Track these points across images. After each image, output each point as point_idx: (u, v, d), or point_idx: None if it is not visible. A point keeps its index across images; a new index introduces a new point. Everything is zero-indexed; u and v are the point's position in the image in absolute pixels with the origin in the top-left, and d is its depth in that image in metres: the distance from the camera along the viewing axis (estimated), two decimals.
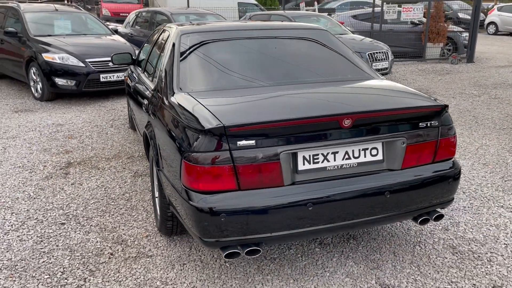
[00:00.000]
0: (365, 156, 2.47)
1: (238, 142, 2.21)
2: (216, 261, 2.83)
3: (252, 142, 2.23)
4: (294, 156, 2.33)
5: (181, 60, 3.03)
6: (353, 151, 2.44)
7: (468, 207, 3.58)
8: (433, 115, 2.58)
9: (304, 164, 2.36)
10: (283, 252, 2.94)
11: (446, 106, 2.62)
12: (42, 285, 2.61)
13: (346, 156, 2.43)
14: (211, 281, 2.64)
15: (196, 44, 3.18)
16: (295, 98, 2.65)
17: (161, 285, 2.61)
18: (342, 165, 2.43)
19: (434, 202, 2.66)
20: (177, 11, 8.91)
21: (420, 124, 2.55)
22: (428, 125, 2.57)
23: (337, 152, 2.41)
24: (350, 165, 2.45)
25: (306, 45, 3.43)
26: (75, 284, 2.62)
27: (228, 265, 2.79)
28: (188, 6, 11.22)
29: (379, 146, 2.49)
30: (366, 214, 2.46)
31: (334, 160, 2.41)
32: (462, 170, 4.27)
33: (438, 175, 2.61)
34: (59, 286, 2.59)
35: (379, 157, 2.50)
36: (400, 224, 3.28)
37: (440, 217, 2.71)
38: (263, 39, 3.36)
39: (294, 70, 3.11)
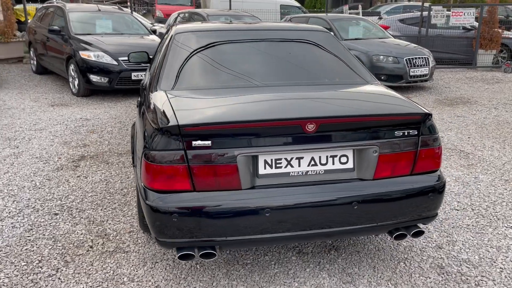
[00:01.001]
0: (333, 164, 2.35)
1: (193, 142, 2.17)
2: (187, 261, 2.81)
3: (207, 142, 2.18)
4: (255, 159, 2.26)
5: (169, 59, 3.04)
6: (320, 157, 2.33)
7: (473, 225, 3.32)
8: (411, 124, 2.41)
9: (265, 168, 2.28)
10: (258, 258, 2.86)
11: (428, 114, 2.44)
12: (18, 271, 2.70)
13: (312, 162, 2.33)
14: (176, 282, 2.62)
15: (188, 44, 3.17)
16: (267, 100, 2.57)
17: (127, 282, 2.62)
18: (307, 171, 2.32)
19: (413, 217, 2.48)
20: (214, 12, 9.01)
21: (395, 132, 2.39)
22: (405, 134, 2.40)
23: (302, 158, 2.31)
24: (316, 172, 2.33)
25: (302, 47, 3.32)
26: (47, 273, 2.69)
27: (198, 267, 2.76)
28: (230, 8, 11.34)
29: (349, 153, 2.36)
30: (330, 225, 2.34)
31: (299, 165, 2.31)
32: (478, 186, 3.99)
33: (416, 188, 2.43)
34: (32, 274, 2.68)
35: (349, 165, 2.37)
36: (390, 238, 3.09)
37: (419, 233, 2.53)
38: (259, 40, 3.29)
39: (282, 72, 3.02)
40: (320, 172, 2.34)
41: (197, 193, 2.23)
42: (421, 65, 8.37)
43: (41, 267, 2.75)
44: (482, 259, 2.88)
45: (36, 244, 3.00)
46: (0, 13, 10.86)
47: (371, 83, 3.01)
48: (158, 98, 2.62)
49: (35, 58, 9.53)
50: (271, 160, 2.28)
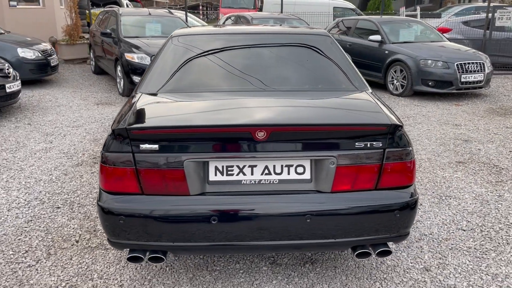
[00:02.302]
0: (288, 173, 2.26)
1: (141, 146, 2.19)
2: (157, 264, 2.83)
3: (155, 146, 2.18)
4: (205, 165, 2.23)
5: (157, 62, 3.09)
6: (274, 166, 2.25)
7: (475, 248, 3.03)
8: (375, 135, 2.24)
9: (216, 175, 2.24)
10: (228, 265, 2.82)
11: (397, 126, 2.26)
12: (3, 259, 2.88)
13: (266, 171, 2.25)
14: (139, 283, 2.65)
15: (178, 47, 3.20)
16: (228, 106, 2.52)
17: (96, 278, 2.70)
18: (261, 180, 2.25)
19: (378, 235, 2.31)
20: (260, 15, 9.03)
21: (356, 143, 2.24)
22: (368, 145, 2.24)
23: (255, 166, 2.24)
24: (270, 181, 2.25)
25: (295, 52, 3.22)
26: (27, 263, 2.84)
27: (167, 270, 2.77)
28: (282, 11, 11.29)
29: (306, 164, 2.25)
30: (281, 238, 2.25)
31: (252, 174, 2.25)
32: (499, 205, 3.64)
33: (379, 205, 2.26)
34: (14, 263, 2.84)
35: (306, 176, 2.26)
36: (352, 256, 2.90)
37: (386, 253, 2.35)
38: (250, 46, 3.23)
39: (264, 78, 2.94)
40: (274, 182, 2.25)
41: (144, 196, 2.24)
42: (474, 71, 7.78)
43: (25, 257, 2.91)
44: (471, 287, 2.61)
45: (30, 235, 3.18)
46: (68, 17, 11.70)
47: (360, 91, 2.85)
48: (130, 101, 2.67)
49: (93, 59, 10.15)
50: (222, 167, 2.24)
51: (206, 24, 13.50)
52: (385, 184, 2.29)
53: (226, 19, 10.08)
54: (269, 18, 8.88)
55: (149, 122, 2.26)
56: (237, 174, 2.24)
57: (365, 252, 2.33)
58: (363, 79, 3.04)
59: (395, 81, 8.43)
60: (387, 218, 2.28)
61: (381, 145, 2.25)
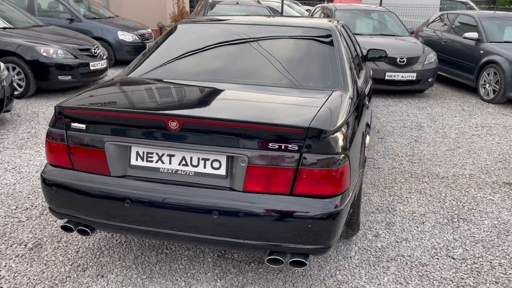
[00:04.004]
0: (204, 167, 2.22)
1: (72, 124, 2.34)
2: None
3: (82, 126, 2.32)
4: (128, 149, 2.30)
5: (152, 47, 3.23)
6: (191, 158, 2.23)
7: (451, 280, 2.64)
8: (291, 138, 2.09)
9: (137, 160, 2.30)
10: (177, 250, 2.87)
11: (319, 130, 2.07)
12: (4, 211, 3.31)
13: (183, 162, 2.24)
14: (93, 251, 2.84)
15: (177, 34, 3.29)
16: (166, 95, 2.54)
17: (63, 241, 2.96)
18: (177, 170, 2.25)
19: (291, 244, 2.17)
20: (342, 7, 8.67)
21: (270, 144, 2.11)
22: (282, 147, 2.10)
23: (173, 156, 2.25)
24: (187, 172, 2.24)
25: (286, 45, 3.09)
26: (19, 219, 3.22)
27: (123, 244, 2.92)
28: (381, 4, 10.63)
29: (222, 159, 2.19)
30: (190, 230, 2.23)
31: (170, 163, 2.26)
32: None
33: (289, 211, 2.11)
34: (10, 217, 3.25)
35: (222, 171, 2.20)
36: (342, 268, 2.71)
37: (299, 263, 2.20)
38: (245, 37, 3.18)
39: (239, 70, 2.89)
40: (190, 174, 2.24)
41: (74, 172, 2.39)
42: None
43: (21, 213, 3.30)
44: None
45: (39, 195, 3.59)
46: (175, 4, 12.55)
47: (329, 90, 2.66)
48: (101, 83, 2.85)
49: None
50: (143, 152, 2.29)
51: (302, 14, 13.38)
52: (301, 190, 2.13)
53: (315, 10, 9.89)
54: (353, 10, 8.49)
55: (82, 102, 2.40)
56: (156, 162, 2.28)
57: (278, 259, 2.21)
58: (347, 78, 2.83)
59: (487, 85, 7.50)
60: (299, 227, 2.13)
61: (297, 148, 2.10)
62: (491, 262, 2.84)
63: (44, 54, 6.58)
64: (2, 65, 5.54)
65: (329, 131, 2.13)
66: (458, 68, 8.25)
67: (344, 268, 2.73)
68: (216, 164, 2.21)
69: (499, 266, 2.80)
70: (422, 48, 7.74)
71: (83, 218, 2.41)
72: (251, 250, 2.26)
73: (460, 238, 3.13)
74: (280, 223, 2.13)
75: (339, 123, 2.25)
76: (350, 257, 2.85)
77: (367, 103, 3.25)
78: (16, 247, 2.89)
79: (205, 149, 2.18)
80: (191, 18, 3.61)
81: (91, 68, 7.09)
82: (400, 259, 2.85)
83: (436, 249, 2.97)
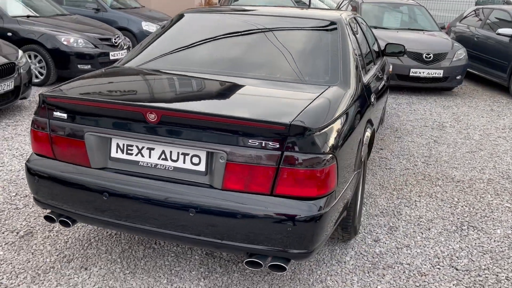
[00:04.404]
0: (184, 162, 2.13)
1: (54, 113, 2.29)
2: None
3: (63, 115, 2.27)
4: (109, 141, 2.23)
5: (155, 38, 3.14)
6: (171, 152, 2.14)
7: None
8: (272, 135, 1.96)
9: (117, 152, 2.23)
10: (165, 245, 2.79)
11: (303, 128, 1.93)
12: (3, 198, 3.33)
13: (163, 156, 2.16)
14: (81, 242, 2.81)
15: (183, 24, 3.20)
16: (150, 85, 2.44)
17: (54, 231, 2.94)
18: (157, 164, 2.17)
19: (272, 247, 2.05)
20: (369, 0, 8.37)
21: (250, 141, 1.99)
22: (262, 145, 1.97)
23: (153, 149, 2.17)
24: (166, 167, 2.15)
25: (289, 37, 2.94)
26: (16, 206, 3.23)
27: (112, 236, 2.88)
28: None
29: (202, 155, 2.09)
30: (168, 227, 2.15)
31: (149, 157, 2.18)
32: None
33: (269, 213, 1.99)
34: (8, 203, 3.26)
35: (201, 168, 2.10)
36: (334, 273, 2.57)
37: (279, 268, 2.08)
38: (250, 28, 3.06)
39: (236, 62, 2.77)
40: (170, 169, 2.15)
41: (55, 162, 2.35)
42: None
43: (19, 200, 3.31)
44: None
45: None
46: None
47: (326, 86, 2.51)
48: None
49: None
50: (123, 145, 2.21)
51: (331, 7, 13.07)
52: (282, 191, 2.01)
53: (342, 2, 9.61)
54: (380, 3, 8.17)
55: (66, 91, 2.35)
56: (136, 155, 2.20)
57: (256, 262, 2.09)
58: (348, 73, 2.68)
59: None
60: (278, 230, 2.00)
61: (278, 146, 1.97)
62: (497, 275, 2.64)
63: (65, 43, 6.65)
64: (21, 52, 5.62)
65: (314, 129, 1.99)
66: (490, 65, 7.84)
67: (336, 274, 2.59)
68: (195, 160, 2.11)
69: (505, 280, 2.59)
70: (451, 44, 7.39)
71: (64, 209, 2.37)
72: (229, 251, 2.16)
73: (467, 247, 2.92)
74: (259, 225, 2.01)
75: (327, 121, 2.11)
76: (345, 262, 2.71)
77: (372, 100, 3.07)
78: (8, 234, 2.89)
79: (185, 144, 2.08)
80: (203, 8, 3.51)
81: (111, 57, 7.12)
82: (398, 267, 2.68)
83: (438, 258, 2.78)
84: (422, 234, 3.06)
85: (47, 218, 2.45)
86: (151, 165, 2.18)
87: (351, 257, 2.75)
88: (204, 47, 2.94)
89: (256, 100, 2.29)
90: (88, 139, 2.23)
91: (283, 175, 1.99)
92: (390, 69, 5.19)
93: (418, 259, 2.77)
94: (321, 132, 2.03)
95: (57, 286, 2.42)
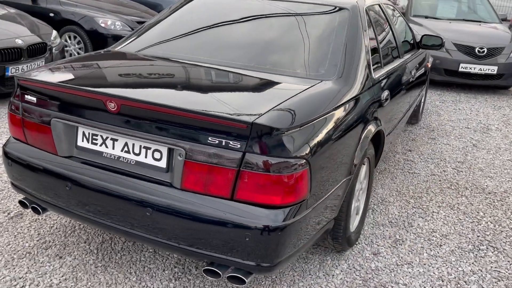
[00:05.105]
0: (146, 157, 1.97)
1: (25, 96, 2.21)
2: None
3: (33, 99, 2.18)
4: (75, 129, 2.12)
5: (158, 22, 2.99)
6: (133, 145, 1.99)
7: None
8: (234, 133, 1.75)
9: (83, 141, 2.12)
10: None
11: (270, 128, 1.71)
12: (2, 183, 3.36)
13: (126, 149, 2.01)
14: (58, 229, 2.75)
15: (188, 8, 3.02)
16: (134, 72, 2.28)
17: (39, 216, 2.91)
18: (120, 157, 2.03)
19: (230, 257, 1.86)
20: None
21: (209, 138, 1.79)
22: (223, 144, 1.77)
23: (116, 140, 2.03)
24: (128, 160, 2.01)
25: (293, 25, 2.67)
26: None
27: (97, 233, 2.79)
28: None
29: (164, 150, 1.92)
30: (127, 225, 2.01)
31: (113, 148, 2.04)
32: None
33: (227, 219, 1.79)
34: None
35: (163, 164, 1.94)
36: (317, 287, 2.34)
37: (238, 280, 1.88)
38: (251, 14, 2.83)
39: (234, 51, 2.55)
40: (131, 162, 2.00)
41: (26, 146, 2.27)
42: None
43: None
44: None
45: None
46: None
47: (328, 80, 2.26)
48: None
49: None
50: (89, 134, 2.09)
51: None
52: (243, 196, 1.80)
53: None
54: None
55: (39, 73, 2.25)
56: (100, 145, 2.07)
57: (215, 271, 1.91)
58: (351, 67, 2.42)
59: None
60: (237, 239, 1.80)
61: (239, 146, 1.75)
62: None
63: (102, 25, 6.71)
64: (55, 33, 5.71)
65: (282, 129, 1.75)
66: None
67: None
68: (157, 155, 1.94)
69: None
70: (510, 38, 6.70)
71: (34, 196, 2.30)
72: (188, 257, 1.98)
73: (480, 271, 2.56)
74: (217, 232, 1.82)
75: (303, 120, 1.86)
76: (333, 275, 2.45)
77: (384, 97, 2.75)
78: None
79: (146, 137, 1.92)
80: None
81: None
82: (393, 287, 2.39)
83: (442, 281, 2.46)
84: (431, 251, 2.72)
85: (21, 203, 2.40)
86: (114, 157, 2.04)
87: (341, 271, 2.49)
88: (198, 34, 2.74)
89: (229, 93, 2.07)
90: (55, 125, 2.13)
91: (243, 179, 1.77)
92: (429, 64, 4.74)
93: (418, 280, 2.46)
94: (291, 133, 1.79)
95: (27, 273, 2.37)
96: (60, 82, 2.10)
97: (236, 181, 1.79)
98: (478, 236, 2.92)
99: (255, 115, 1.77)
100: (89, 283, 2.31)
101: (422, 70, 4.31)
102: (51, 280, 2.32)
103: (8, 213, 2.91)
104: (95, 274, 2.38)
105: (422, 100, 5.16)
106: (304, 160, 1.81)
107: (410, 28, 4.24)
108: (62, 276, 2.36)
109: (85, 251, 2.56)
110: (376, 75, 2.72)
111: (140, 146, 1.97)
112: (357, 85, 2.40)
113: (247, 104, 1.91)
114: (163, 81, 2.20)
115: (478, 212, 3.23)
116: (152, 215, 1.91)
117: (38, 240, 2.65)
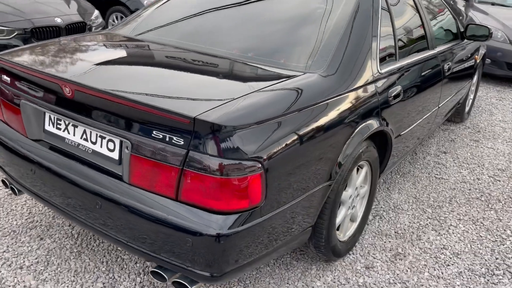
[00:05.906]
0: (101, 146, 1.87)
1: (2, 76, 2.19)
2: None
3: (8, 79, 2.15)
4: (43, 113, 2.06)
5: (156, 8, 2.88)
6: (91, 133, 1.89)
7: None
8: (177, 129, 1.59)
9: (49, 125, 2.05)
10: None
11: (215, 125, 1.52)
12: None
13: (84, 136, 1.92)
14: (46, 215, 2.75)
15: None
16: (105, 56, 2.17)
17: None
18: (79, 144, 1.94)
19: (175, 262, 1.72)
20: None
21: (154, 132, 1.63)
22: (167, 139, 1.61)
23: (77, 127, 1.94)
24: (86, 149, 1.92)
25: (292, 10, 2.43)
26: None
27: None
28: None
29: (117, 141, 1.80)
30: (83, 215, 1.94)
31: (74, 134, 1.96)
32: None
33: (169, 220, 1.64)
34: None
35: (115, 155, 1.82)
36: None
37: (182, 286, 1.74)
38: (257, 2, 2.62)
39: (223, 36, 2.36)
40: (89, 151, 1.91)
41: (4, 125, 2.25)
42: None
43: None
44: None
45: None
46: None
47: (313, 73, 2.02)
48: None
49: None
50: (54, 118, 2.02)
51: None
52: (187, 197, 1.64)
53: None
54: None
55: (17, 53, 2.20)
56: (63, 130, 2.00)
57: (157, 272, 1.78)
58: (346, 60, 2.16)
59: None
60: (179, 243, 1.66)
61: (182, 143, 1.59)
62: None
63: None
64: (96, 12, 5.79)
65: (229, 127, 1.56)
66: None
67: None
68: (111, 145, 1.83)
69: None
70: None
71: (11, 176, 2.29)
72: (136, 255, 1.86)
73: None
74: (161, 233, 1.68)
75: (261, 118, 1.65)
76: (313, 287, 2.24)
77: (393, 95, 2.43)
78: None
79: (99, 126, 1.82)
80: None
81: None
82: None
83: None
84: (434, 270, 2.41)
85: (3, 182, 2.41)
86: (75, 144, 1.96)
87: (323, 283, 2.27)
88: (190, 19, 2.58)
89: (191, 82, 1.89)
90: (24, 107, 2.08)
91: (186, 179, 1.61)
92: (477, 56, 4.22)
93: None
94: (243, 131, 1.59)
95: (4, 252, 2.39)
96: (26, 63, 2.04)
97: (180, 181, 1.63)
98: (497, 259, 2.55)
99: (201, 109, 1.59)
100: (59, 269, 2.28)
101: (467, 64, 3.86)
102: (23, 262, 2.32)
103: (8, 190, 2.97)
104: (67, 260, 2.34)
105: (471, 97, 4.65)
106: (258, 163, 1.61)
107: (454, 16, 3.78)
108: (35, 259, 2.35)
109: (66, 235, 2.54)
110: (385, 68, 2.41)
111: (96, 134, 1.87)
112: (351, 78, 2.12)
113: (203, 96, 1.72)
114: (129, 67, 2.05)
115: (505, 230, 2.82)
116: (101, 207, 1.82)
117: (26, 219, 2.67)
